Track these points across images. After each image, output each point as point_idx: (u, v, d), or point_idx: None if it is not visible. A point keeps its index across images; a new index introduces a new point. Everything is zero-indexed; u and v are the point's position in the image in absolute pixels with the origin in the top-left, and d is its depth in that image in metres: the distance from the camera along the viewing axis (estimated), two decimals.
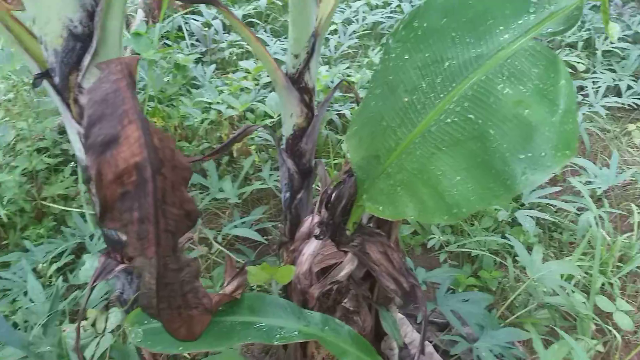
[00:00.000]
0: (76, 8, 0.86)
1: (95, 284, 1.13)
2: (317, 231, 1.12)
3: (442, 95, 0.95)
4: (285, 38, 4.13)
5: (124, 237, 1.13)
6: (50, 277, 2.04)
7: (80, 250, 2.29)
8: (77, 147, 1.02)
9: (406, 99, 1.00)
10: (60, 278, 1.84)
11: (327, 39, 3.96)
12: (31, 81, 2.72)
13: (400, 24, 1.06)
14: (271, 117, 2.62)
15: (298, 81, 1.39)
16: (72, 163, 2.64)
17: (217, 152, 1.24)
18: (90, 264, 1.79)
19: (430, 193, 0.94)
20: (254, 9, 4.31)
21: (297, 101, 1.41)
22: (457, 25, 1.00)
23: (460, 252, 2.19)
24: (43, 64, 0.96)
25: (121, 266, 1.14)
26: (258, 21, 4.25)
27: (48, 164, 2.59)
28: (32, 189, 2.51)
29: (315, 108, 1.46)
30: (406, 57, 1.03)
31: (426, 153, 0.96)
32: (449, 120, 0.93)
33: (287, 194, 1.55)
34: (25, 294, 1.93)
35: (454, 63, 0.96)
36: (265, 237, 2.30)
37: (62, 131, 2.96)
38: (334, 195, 1.10)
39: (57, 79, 0.93)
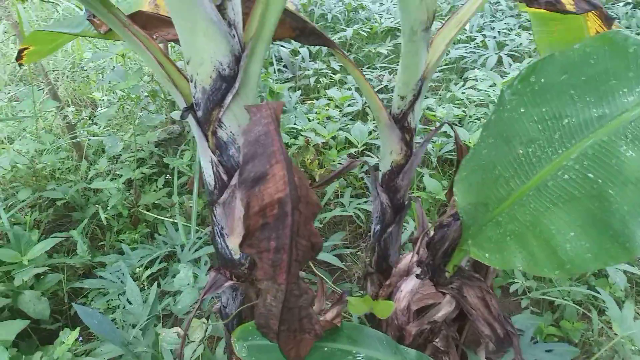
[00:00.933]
0: (227, 53, 0.97)
1: (205, 296, 1.23)
2: (417, 270, 1.16)
3: (560, 151, 0.98)
4: (368, 67, 4.23)
5: (236, 256, 1.22)
6: (144, 281, 2.20)
7: (170, 257, 2.45)
8: (207, 173, 1.12)
9: (521, 151, 1.03)
10: (155, 284, 1.98)
11: None
12: (134, 95, 2.95)
13: (516, 77, 1.09)
14: (355, 147, 2.69)
15: (401, 121, 1.45)
16: (167, 175, 2.84)
17: (327, 182, 1.31)
18: (184, 274, 1.92)
19: (542, 246, 0.96)
20: (339, 39, 4.45)
21: (398, 139, 1.46)
22: (576, 82, 1.02)
23: (541, 298, 2.14)
24: (188, 98, 1.08)
25: (230, 282, 1.23)
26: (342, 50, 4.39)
27: (144, 173, 2.79)
28: (130, 196, 2.72)
29: (413, 147, 1.51)
30: (522, 110, 1.06)
31: (540, 206, 0.98)
32: (566, 176, 0.95)
33: (378, 227, 1.59)
34: (122, 294, 2.09)
35: (573, 120, 0.98)
36: (342, 262, 2.35)
37: (158, 144, 3.19)
38: (437, 236, 1.14)
39: (200, 113, 1.05)
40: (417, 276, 1.14)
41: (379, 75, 3.88)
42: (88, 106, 3.87)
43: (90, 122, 3.39)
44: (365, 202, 2.56)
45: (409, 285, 1.15)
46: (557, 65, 1.05)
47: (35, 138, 2.81)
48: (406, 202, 1.55)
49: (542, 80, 1.06)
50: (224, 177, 1.09)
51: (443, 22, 1.44)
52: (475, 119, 3.11)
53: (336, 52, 1.39)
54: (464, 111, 3.27)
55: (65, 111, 2.89)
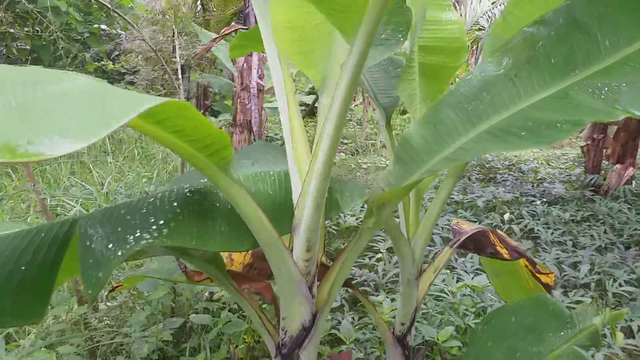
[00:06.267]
0: (309, 314, 1.52)
1: None
2: None
3: None
4: None
5: None
6: None
7: None
8: None
9: None
10: None
11: (375, 266, 4.71)
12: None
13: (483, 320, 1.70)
14: (343, 343, 3.16)
15: (402, 340, 2.00)
16: None
17: None
18: None
19: None
20: None
21: (401, 355, 1.99)
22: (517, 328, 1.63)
23: None
24: (275, 339, 1.59)
25: None
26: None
27: None
28: None
29: None
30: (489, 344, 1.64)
31: None
32: None
33: None
34: None
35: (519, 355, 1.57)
36: None
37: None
38: None
39: (285, 351, 1.55)
40: None
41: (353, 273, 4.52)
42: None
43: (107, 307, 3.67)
44: None
45: None
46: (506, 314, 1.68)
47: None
48: None
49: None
50: None
51: (425, 267, 2.09)
52: (437, 313, 3.70)
53: (356, 291, 1.97)
54: (425, 304, 3.88)
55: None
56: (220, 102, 10.96)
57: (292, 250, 1.45)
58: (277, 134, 13.06)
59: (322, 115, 1.37)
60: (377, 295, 3.94)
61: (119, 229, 1.14)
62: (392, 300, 3.87)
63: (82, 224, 1.20)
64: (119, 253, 1.07)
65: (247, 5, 4.37)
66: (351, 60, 1.05)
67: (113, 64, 13.28)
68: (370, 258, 4.91)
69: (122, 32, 13.69)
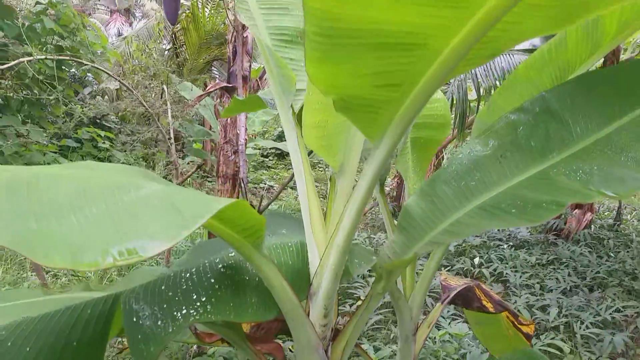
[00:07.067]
0: None
1: None
2: None
3: None
4: None
5: None
6: None
7: None
8: None
9: None
10: None
11: None
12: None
13: None
14: None
15: None
16: None
17: None
18: None
19: None
20: None
21: None
22: None
23: None
24: None
25: None
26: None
27: None
28: None
29: None
30: None
31: None
32: None
33: None
34: None
35: None
36: None
37: None
38: None
39: None
40: None
41: None
42: None
43: None
44: None
45: None
46: None
47: None
48: None
49: None
50: None
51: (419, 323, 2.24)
52: None
53: (359, 349, 2.10)
54: None
55: None
56: (189, 145, 11.26)
57: (308, 315, 1.59)
58: (247, 176, 13.21)
59: (341, 195, 1.54)
60: (362, 344, 4.05)
61: (165, 306, 1.26)
62: (376, 349, 3.98)
63: (125, 300, 1.31)
64: (170, 330, 1.19)
65: (232, 64, 4.59)
66: (375, 160, 1.24)
67: (82, 108, 13.27)
68: (350, 305, 5.02)
69: (90, 75, 13.76)
